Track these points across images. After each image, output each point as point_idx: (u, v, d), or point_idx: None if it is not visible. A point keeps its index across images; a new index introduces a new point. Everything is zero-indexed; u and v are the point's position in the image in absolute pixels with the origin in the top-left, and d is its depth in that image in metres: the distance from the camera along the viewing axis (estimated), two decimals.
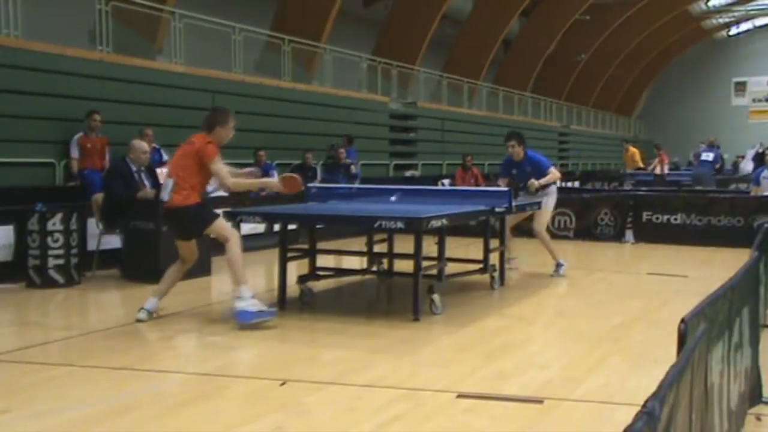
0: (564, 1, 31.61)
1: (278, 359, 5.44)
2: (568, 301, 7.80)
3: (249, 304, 6.06)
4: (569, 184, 22.28)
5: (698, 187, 16.44)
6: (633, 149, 22.04)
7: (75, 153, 10.70)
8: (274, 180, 7.08)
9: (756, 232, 5.82)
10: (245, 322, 5.99)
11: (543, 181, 9.01)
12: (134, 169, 9.03)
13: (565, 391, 4.60)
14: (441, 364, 5.29)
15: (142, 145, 9.20)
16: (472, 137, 23.82)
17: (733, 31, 46.03)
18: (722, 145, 28.18)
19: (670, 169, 23.56)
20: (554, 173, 9.19)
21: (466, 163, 16.16)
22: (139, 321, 6.36)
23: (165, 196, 6.28)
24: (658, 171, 21.01)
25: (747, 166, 21.99)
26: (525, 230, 13.05)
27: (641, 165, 21.42)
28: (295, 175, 6.60)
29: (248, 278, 6.29)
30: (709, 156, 17.55)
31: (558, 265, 9.02)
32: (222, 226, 6.35)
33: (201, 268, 8.01)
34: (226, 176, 6.33)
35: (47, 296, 7.90)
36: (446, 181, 15.90)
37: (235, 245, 6.22)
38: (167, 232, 6.81)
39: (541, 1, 30.98)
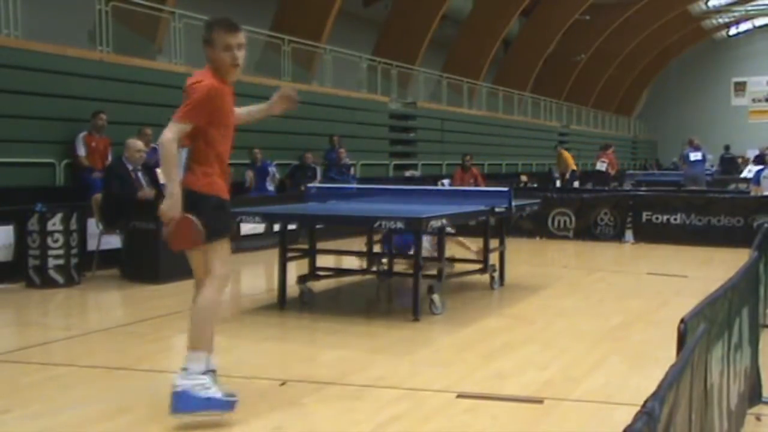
0: (564, 1, 31.61)
1: (278, 359, 5.44)
2: (567, 301, 7.80)
3: (197, 384, 3.96)
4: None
5: (692, 187, 16.44)
6: (566, 153, 22.16)
7: (81, 151, 10.69)
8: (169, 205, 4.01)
9: (756, 232, 5.82)
10: (183, 411, 3.95)
11: None
12: (130, 168, 9.03)
13: (564, 391, 4.60)
14: (441, 364, 5.29)
15: (137, 144, 9.20)
16: (472, 137, 23.82)
17: (733, 31, 46.02)
18: (722, 145, 28.26)
19: (670, 169, 23.59)
20: None
21: (465, 163, 16.11)
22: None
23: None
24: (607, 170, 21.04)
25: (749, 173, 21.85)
26: (525, 230, 13.12)
27: (574, 167, 21.56)
28: (190, 218, 3.99)
29: (212, 345, 4.20)
30: (698, 155, 17.61)
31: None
32: (226, 252, 4.22)
33: None
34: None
35: (47, 296, 7.90)
36: (446, 181, 15.88)
37: (220, 290, 4.18)
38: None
39: (541, 1, 30.98)
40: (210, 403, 3.96)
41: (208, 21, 4.37)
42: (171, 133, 4.01)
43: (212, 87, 4.09)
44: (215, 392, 3.98)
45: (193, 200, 4.05)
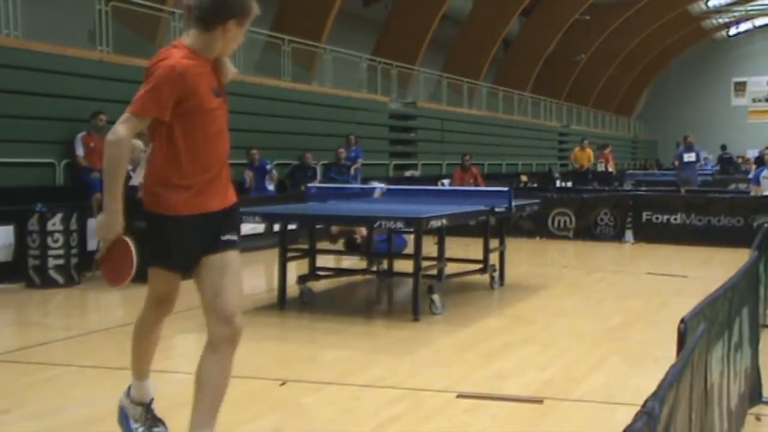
0: (564, 1, 31.60)
1: (278, 359, 5.44)
2: (567, 301, 7.80)
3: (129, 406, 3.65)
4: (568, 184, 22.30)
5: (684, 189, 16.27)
6: (590, 150, 21.87)
7: (80, 151, 10.69)
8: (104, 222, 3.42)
9: (756, 232, 5.82)
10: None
11: None
12: (131, 168, 9.02)
13: (564, 391, 4.60)
14: (441, 364, 5.29)
15: (138, 144, 9.20)
16: (471, 137, 23.81)
17: (733, 31, 46.03)
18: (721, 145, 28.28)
19: (670, 169, 23.55)
20: None
21: (465, 163, 16.10)
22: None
23: None
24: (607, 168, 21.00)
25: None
26: (525, 230, 13.12)
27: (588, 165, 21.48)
28: (126, 243, 3.45)
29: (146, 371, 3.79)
30: (691, 157, 17.33)
31: None
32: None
33: None
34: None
35: (47, 296, 7.90)
36: (446, 181, 15.89)
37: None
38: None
39: (541, 1, 30.97)
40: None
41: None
42: (123, 129, 3.23)
43: (178, 64, 3.18)
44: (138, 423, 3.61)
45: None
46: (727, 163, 26.90)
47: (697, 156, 17.76)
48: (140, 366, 3.63)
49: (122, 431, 3.63)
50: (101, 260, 3.43)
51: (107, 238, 3.33)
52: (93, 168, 10.57)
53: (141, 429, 3.58)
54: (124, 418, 3.61)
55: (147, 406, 3.65)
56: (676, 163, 18.03)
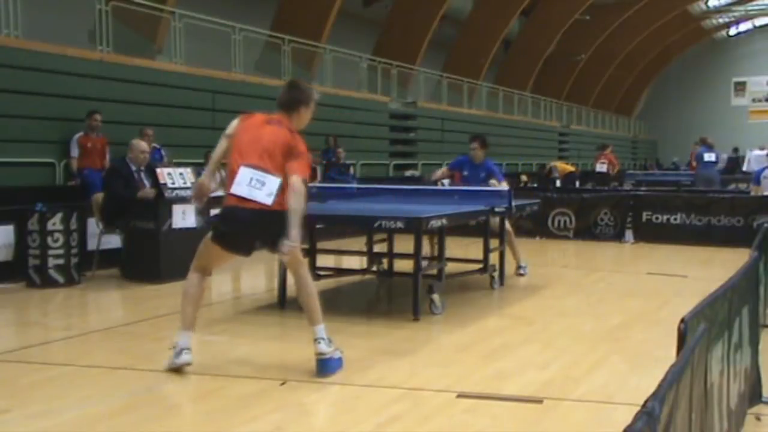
0: (564, 1, 31.60)
1: (278, 359, 5.44)
2: (568, 301, 7.80)
3: (334, 349, 4.95)
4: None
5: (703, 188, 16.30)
6: (560, 165, 22.19)
7: (74, 152, 10.71)
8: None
9: (756, 232, 5.82)
10: (331, 372, 4.87)
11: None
12: (134, 168, 9.04)
13: (564, 391, 4.60)
14: (441, 364, 5.29)
15: (141, 145, 9.21)
16: None
17: (733, 31, 46.01)
18: (722, 145, 28.28)
19: (670, 169, 23.61)
20: (504, 185, 9.13)
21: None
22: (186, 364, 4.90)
23: (261, 196, 4.72)
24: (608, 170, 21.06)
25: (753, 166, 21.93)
26: (525, 230, 13.11)
27: (572, 169, 21.59)
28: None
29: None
30: (711, 156, 17.38)
31: (520, 267, 9.15)
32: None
33: None
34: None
35: (47, 296, 7.90)
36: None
37: (309, 275, 5.24)
38: (229, 236, 4.90)
39: (541, 1, 30.98)
40: (341, 362, 4.93)
41: (307, 85, 5.24)
42: (302, 187, 4.69)
43: None
44: (340, 353, 4.94)
45: (284, 217, 4.65)
46: (734, 164, 26.95)
47: (717, 157, 17.74)
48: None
49: (333, 373, 4.86)
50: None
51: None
52: (83, 169, 10.59)
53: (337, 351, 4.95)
54: (328, 364, 4.87)
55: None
56: (694, 163, 18.07)
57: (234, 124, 5.02)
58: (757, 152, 22.84)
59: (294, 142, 4.82)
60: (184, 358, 4.82)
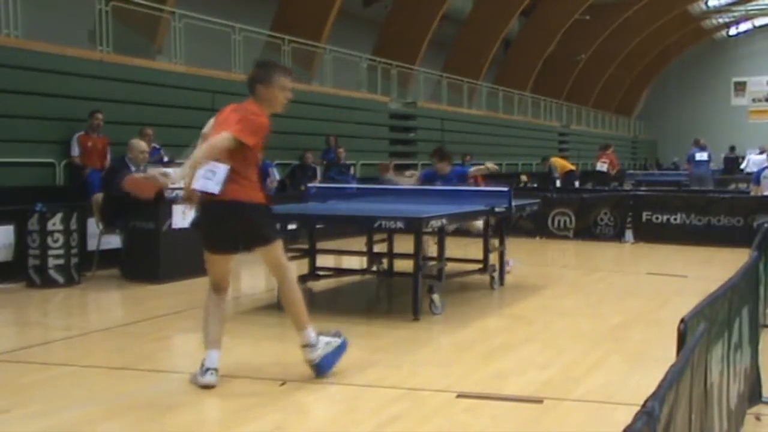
0: (564, 1, 31.60)
1: (278, 359, 5.44)
2: (567, 301, 7.80)
3: (322, 347, 4.78)
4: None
5: (698, 188, 16.47)
6: (557, 160, 22.18)
7: (75, 151, 10.71)
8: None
9: (756, 232, 5.82)
10: (330, 370, 4.79)
11: (474, 170, 9.51)
12: (133, 168, 9.03)
13: (564, 390, 4.60)
14: (441, 364, 5.29)
15: (141, 145, 9.21)
16: (472, 137, 23.82)
17: (733, 31, 46.00)
18: (722, 145, 28.28)
19: (670, 169, 23.66)
20: (477, 168, 9.45)
21: (465, 163, 16.16)
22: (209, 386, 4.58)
23: (211, 186, 4.43)
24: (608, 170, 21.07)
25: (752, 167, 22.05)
26: (525, 230, 13.11)
27: (571, 167, 21.59)
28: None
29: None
30: (704, 156, 17.64)
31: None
32: (282, 247, 4.81)
33: (201, 268, 8.00)
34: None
35: (47, 296, 7.90)
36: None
37: (293, 274, 4.96)
38: (198, 238, 4.83)
39: (541, 1, 30.97)
40: (339, 352, 4.80)
41: (266, 62, 4.94)
42: (225, 144, 4.40)
43: (267, 123, 4.61)
44: (334, 342, 4.78)
45: (247, 210, 4.57)
46: (732, 164, 26.97)
47: (709, 156, 17.98)
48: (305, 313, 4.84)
49: (333, 368, 4.77)
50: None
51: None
52: (86, 166, 10.57)
53: (332, 340, 4.80)
54: (325, 362, 4.73)
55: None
56: (687, 165, 18.33)
57: (210, 122, 5.01)
58: (755, 157, 22.95)
59: (243, 116, 4.53)
60: (209, 379, 4.54)
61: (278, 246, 4.70)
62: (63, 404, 4.33)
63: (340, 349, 4.81)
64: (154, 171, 4.91)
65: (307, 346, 4.69)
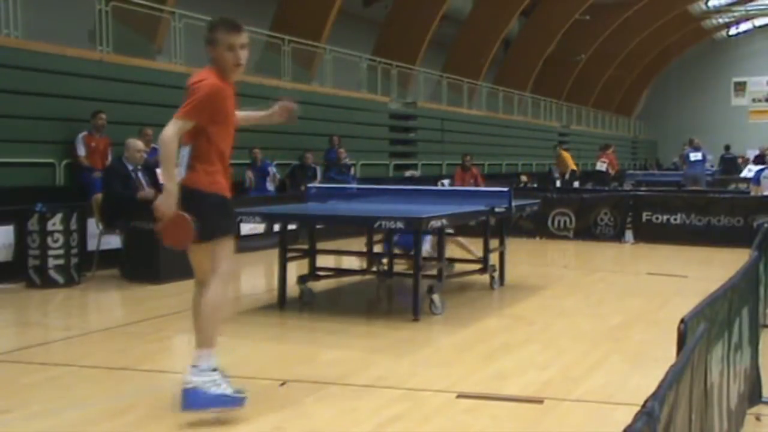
0: (564, 1, 31.60)
1: (278, 359, 5.44)
2: (567, 301, 7.80)
3: (208, 381, 3.96)
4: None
5: (692, 187, 16.50)
6: (566, 153, 22.17)
7: (82, 151, 10.70)
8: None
9: (756, 232, 5.82)
10: (194, 408, 3.97)
11: None
12: (131, 168, 9.04)
13: (564, 391, 4.60)
14: (441, 364, 5.29)
15: (137, 144, 9.21)
16: (471, 137, 23.82)
17: (733, 31, 46.01)
18: (722, 145, 28.27)
19: (670, 169, 23.65)
20: None
21: (465, 163, 16.16)
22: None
23: (179, 171, 4.08)
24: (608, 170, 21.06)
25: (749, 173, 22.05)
26: (525, 230, 13.11)
27: (574, 167, 21.60)
28: (185, 216, 3.98)
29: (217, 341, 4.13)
30: (698, 156, 17.71)
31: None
32: (229, 250, 4.19)
33: None
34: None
35: (47, 296, 7.90)
36: (446, 181, 15.89)
37: (225, 286, 4.18)
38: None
39: (541, 1, 30.98)
40: (220, 400, 3.97)
41: (211, 21, 4.39)
42: (171, 130, 3.98)
43: (215, 86, 4.10)
44: (226, 389, 3.99)
45: (195, 198, 4.01)
46: (730, 164, 26.96)
47: (704, 156, 18.06)
48: (215, 336, 4.08)
49: (199, 409, 3.95)
50: (163, 230, 4.01)
51: (166, 213, 3.95)
52: (94, 168, 10.58)
53: (227, 387, 4.01)
54: (195, 396, 3.92)
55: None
56: (684, 165, 18.42)
57: None
58: (755, 167, 22.92)
59: (190, 92, 4.10)
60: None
61: (222, 245, 4.09)
62: (63, 404, 4.33)
63: (225, 400, 3.98)
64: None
65: (195, 366, 3.97)
